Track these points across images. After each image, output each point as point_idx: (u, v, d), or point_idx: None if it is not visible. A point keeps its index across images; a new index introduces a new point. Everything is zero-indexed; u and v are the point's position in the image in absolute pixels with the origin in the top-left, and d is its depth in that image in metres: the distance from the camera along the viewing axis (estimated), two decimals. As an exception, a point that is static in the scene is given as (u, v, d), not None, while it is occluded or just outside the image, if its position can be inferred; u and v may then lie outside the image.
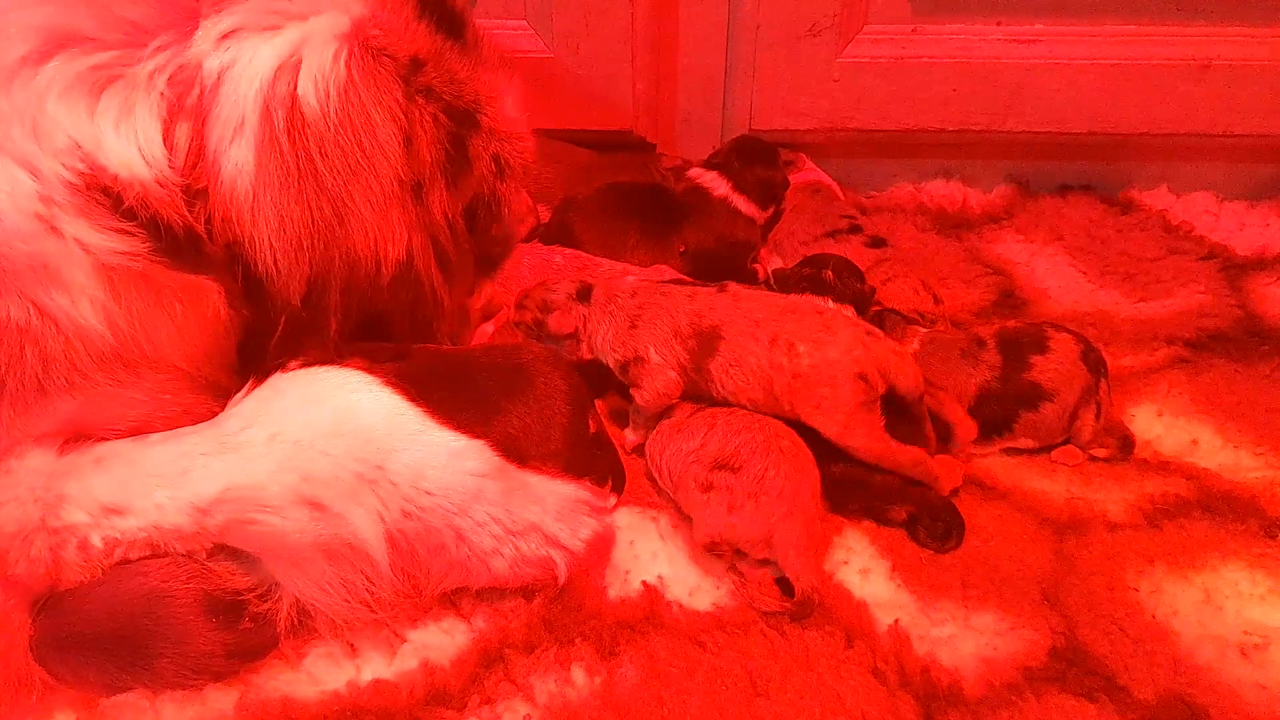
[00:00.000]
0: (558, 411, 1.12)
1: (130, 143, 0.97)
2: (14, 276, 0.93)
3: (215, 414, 1.04)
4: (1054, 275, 1.55)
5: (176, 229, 1.00)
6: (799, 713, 0.94)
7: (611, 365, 1.22)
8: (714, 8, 1.55)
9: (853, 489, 1.14)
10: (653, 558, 1.11)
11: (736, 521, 1.05)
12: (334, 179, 1.02)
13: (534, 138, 1.26)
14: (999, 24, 1.55)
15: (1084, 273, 1.55)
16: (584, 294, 1.25)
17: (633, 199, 1.51)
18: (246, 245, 1.03)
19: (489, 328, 1.36)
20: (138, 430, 1.02)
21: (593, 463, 1.15)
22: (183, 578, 0.96)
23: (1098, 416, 1.19)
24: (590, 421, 1.18)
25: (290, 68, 0.99)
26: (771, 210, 1.56)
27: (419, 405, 1.04)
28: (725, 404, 1.18)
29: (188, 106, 1.00)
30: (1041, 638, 1.01)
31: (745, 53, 1.59)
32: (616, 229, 1.48)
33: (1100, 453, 1.21)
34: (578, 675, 0.98)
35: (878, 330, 1.17)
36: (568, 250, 1.44)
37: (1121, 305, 1.48)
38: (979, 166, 1.73)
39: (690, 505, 1.10)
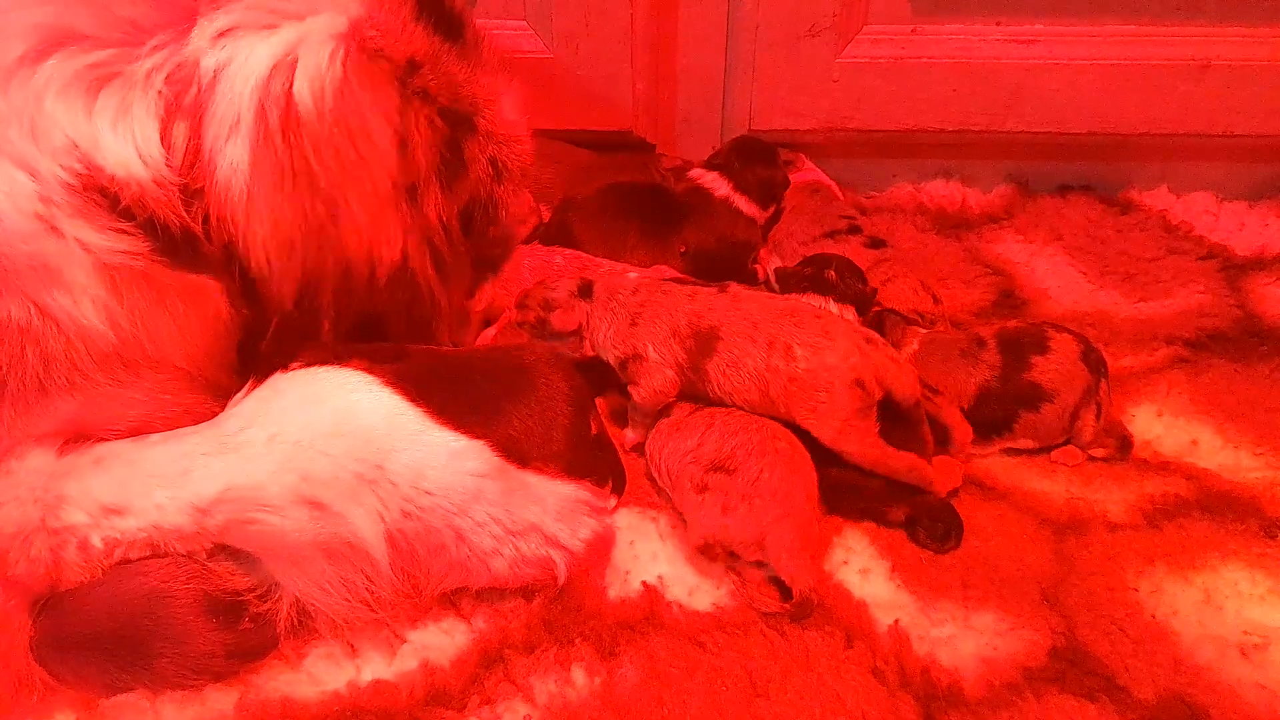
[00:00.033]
0: (559, 413, 1.12)
1: (127, 142, 0.96)
2: (15, 276, 0.93)
3: (215, 414, 1.04)
4: (1054, 275, 1.55)
5: (174, 228, 0.99)
6: (799, 713, 0.94)
7: (611, 362, 1.22)
8: (713, 8, 1.55)
9: (849, 493, 1.14)
10: (653, 558, 1.11)
11: (730, 523, 1.05)
12: (328, 180, 1.01)
13: (533, 140, 1.25)
14: (999, 24, 1.55)
15: (1084, 273, 1.55)
16: (586, 290, 1.25)
17: (632, 199, 1.51)
18: (240, 245, 1.02)
19: (491, 330, 1.36)
20: (138, 430, 1.02)
21: (594, 464, 1.15)
22: (183, 578, 0.96)
23: (1098, 417, 1.19)
24: (592, 422, 1.18)
25: (286, 67, 0.99)
26: (772, 210, 1.56)
27: (419, 407, 1.04)
28: (720, 403, 1.17)
29: (185, 105, 1.00)
30: (1041, 638, 1.01)
31: (745, 53, 1.59)
32: (616, 229, 1.48)
33: (1098, 452, 1.21)
34: (578, 675, 0.98)
35: (877, 336, 1.17)
36: (568, 251, 1.44)
37: (1121, 305, 1.48)
38: (979, 166, 1.73)
39: (685, 506, 1.10)
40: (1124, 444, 1.22)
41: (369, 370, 1.05)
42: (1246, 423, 1.25)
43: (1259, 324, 1.43)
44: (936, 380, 1.22)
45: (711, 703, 0.95)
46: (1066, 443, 1.22)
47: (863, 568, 1.09)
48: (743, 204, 1.52)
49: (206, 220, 1.02)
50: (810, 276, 1.30)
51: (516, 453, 1.08)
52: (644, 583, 1.08)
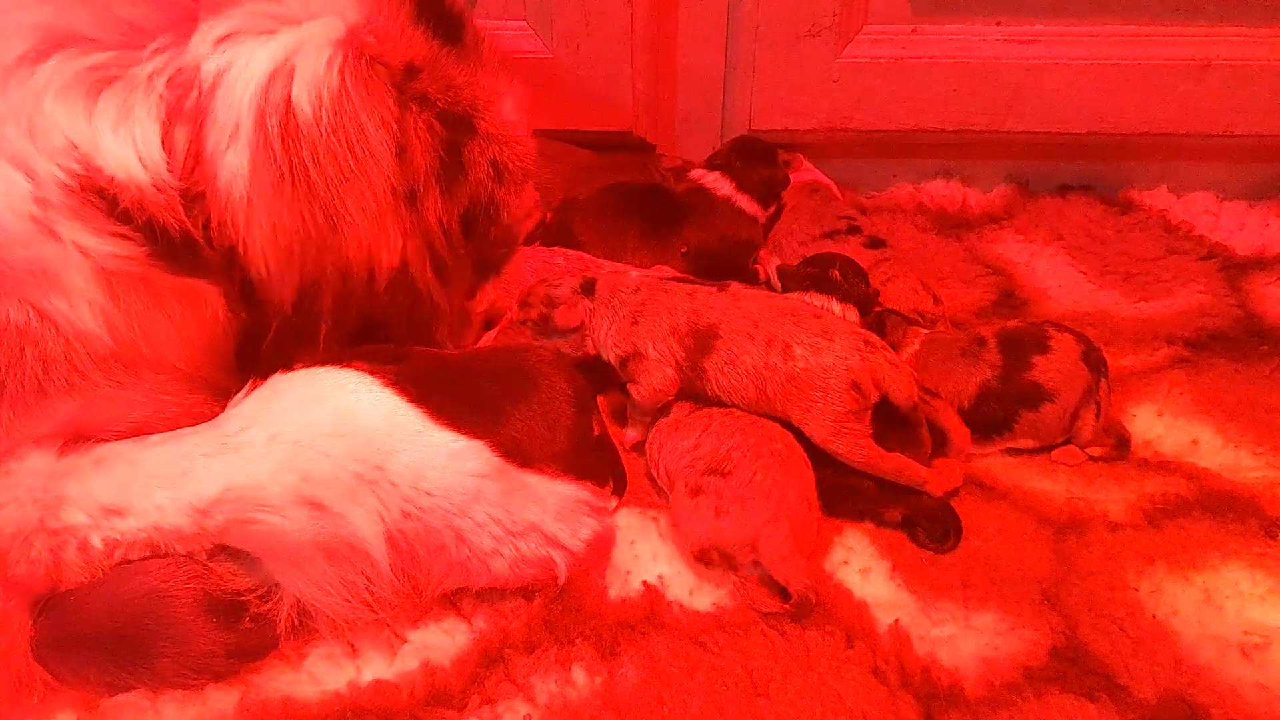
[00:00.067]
0: (562, 414, 1.12)
1: (128, 145, 0.96)
2: (12, 280, 0.93)
3: (215, 414, 1.04)
4: (1054, 275, 1.55)
5: (173, 233, 0.99)
6: (799, 713, 0.94)
7: (612, 360, 1.22)
8: (713, 8, 1.55)
9: (845, 494, 1.14)
10: (653, 558, 1.11)
11: (724, 525, 1.05)
12: (327, 187, 1.01)
13: (534, 141, 1.25)
14: (999, 24, 1.55)
15: (1084, 273, 1.55)
16: (589, 288, 1.25)
17: (633, 200, 1.51)
18: (240, 250, 1.03)
19: (492, 331, 1.36)
20: (138, 431, 1.02)
21: (596, 465, 1.15)
22: (183, 578, 0.96)
23: (1098, 416, 1.19)
24: (594, 424, 1.18)
25: (285, 73, 0.99)
26: (773, 209, 1.56)
27: (420, 408, 1.04)
28: (720, 402, 1.17)
29: (186, 109, 1.00)
30: (1042, 637, 1.01)
31: (745, 53, 1.59)
32: (617, 230, 1.48)
33: (1097, 451, 1.21)
34: (578, 675, 0.98)
35: (876, 339, 1.16)
36: (570, 252, 1.44)
37: (1121, 305, 1.48)
38: (979, 166, 1.73)
39: (678, 512, 1.10)
40: (1122, 443, 1.22)
41: (370, 372, 1.05)
42: (1247, 422, 1.25)
43: (1259, 324, 1.43)
44: (937, 381, 1.22)
45: (712, 702, 0.95)
46: (1066, 442, 1.22)
47: (863, 567, 1.09)
48: (745, 203, 1.52)
49: (207, 225, 1.02)
50: (814, 276, 1.30)
51: (518, 454, 1.08)
52: (644, 582, 1.08)
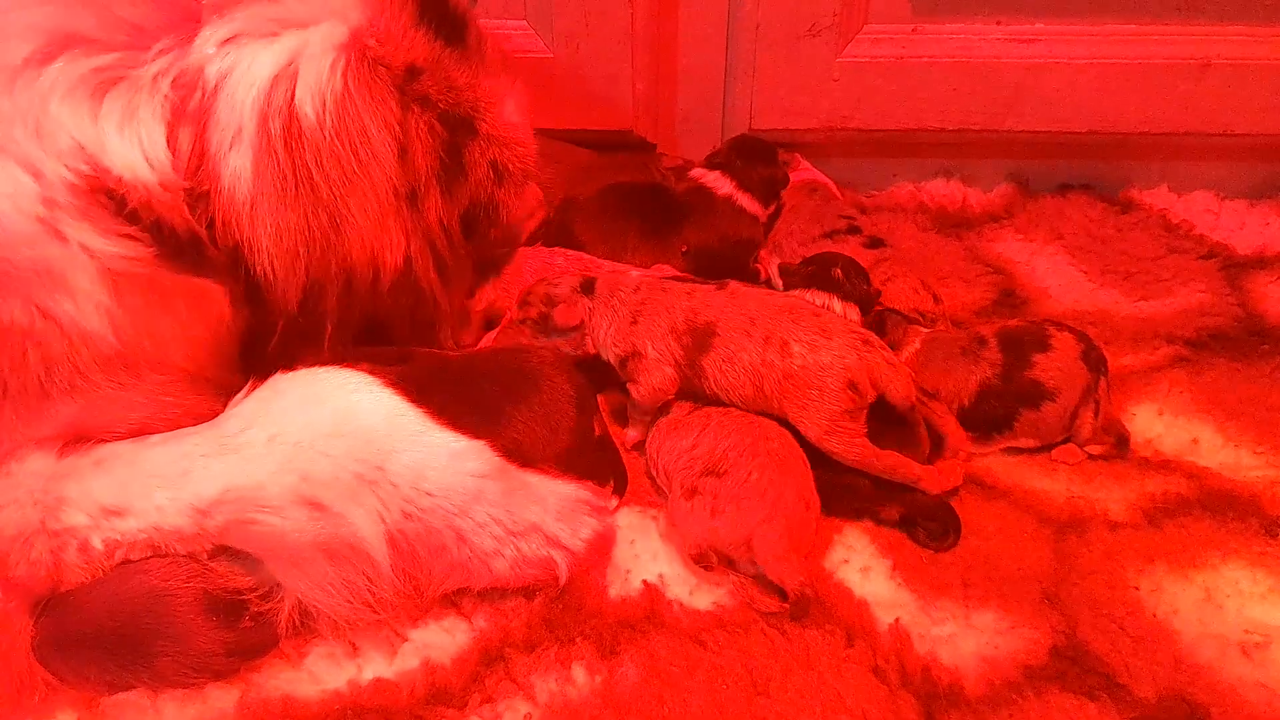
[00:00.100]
0: (564, 416, 1.12)
1: (134, 145, 0.97)
2: (17, 280, 0.93)
3: (217, 414, 1.04)
4: (1054, 274, 1.55)
5: (180, 232, 1.00)
6: (800, 711, 0.94)
7: (611, 360, 1.22)
8: (714, 7, 1.55)
9: (841, 492, 1.14)
10: (653, 557, 1.11)
11: (718, 525, 1.05)
12: (330, 189, 1.02)
13: (535, 141, 1.26)
14: (999, 23, 1.55)
15: (1084, 272, 1.55)
16: (588, 287, 1.25)
17: (633, 199, 1.51)
18: (245, 250, 1.03)
19: (493, 332, 1.36)
20: (139, 432, 1.02)
21: (597, 465, 1.15)
22: (183, 577, 0.96)
23: (1096, 415, 1.19)
24: (595, 425, 1.18)
25: (287, 77, 1.00)
26: (773, 208, 1.56)
27: (422, 409, 1.04)
28: (718, 400, 1.17)
29: (190, 110, 1.00)
30: (1042, 636, 1.01)
31: (745, 52, 1.59)
32: (617, 229, 1.48)
33: (1096, 450, 1.21)
34: (578, 674, 0.98)
35: (874, 338, 1.16)
36: (570, 252, 1.44)
37: (1122, 304, 1.48)
38: (979, 166, 1.73)
39: (675, 514, 1.10)
40: (1122, 442, 1.21)
41: (372, 372, 1.05)
42: (1247, 421, 1.25)
43: (1260, 323, 1.43)
44: (937, 380, 1.22)
45: (712, 701, 0.95)
46: (1066, 441, 1.22)
47: (863, 566, 1.09)
48: (746, 202, 1.52)
49: (211, 225, 1.03)
50: (815, 274, 1.30)
51: (519, 455, 1.08)
52: (645, 581, 1.08)
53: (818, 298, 1.27)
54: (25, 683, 0.94)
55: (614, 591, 1.07)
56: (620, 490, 1.17)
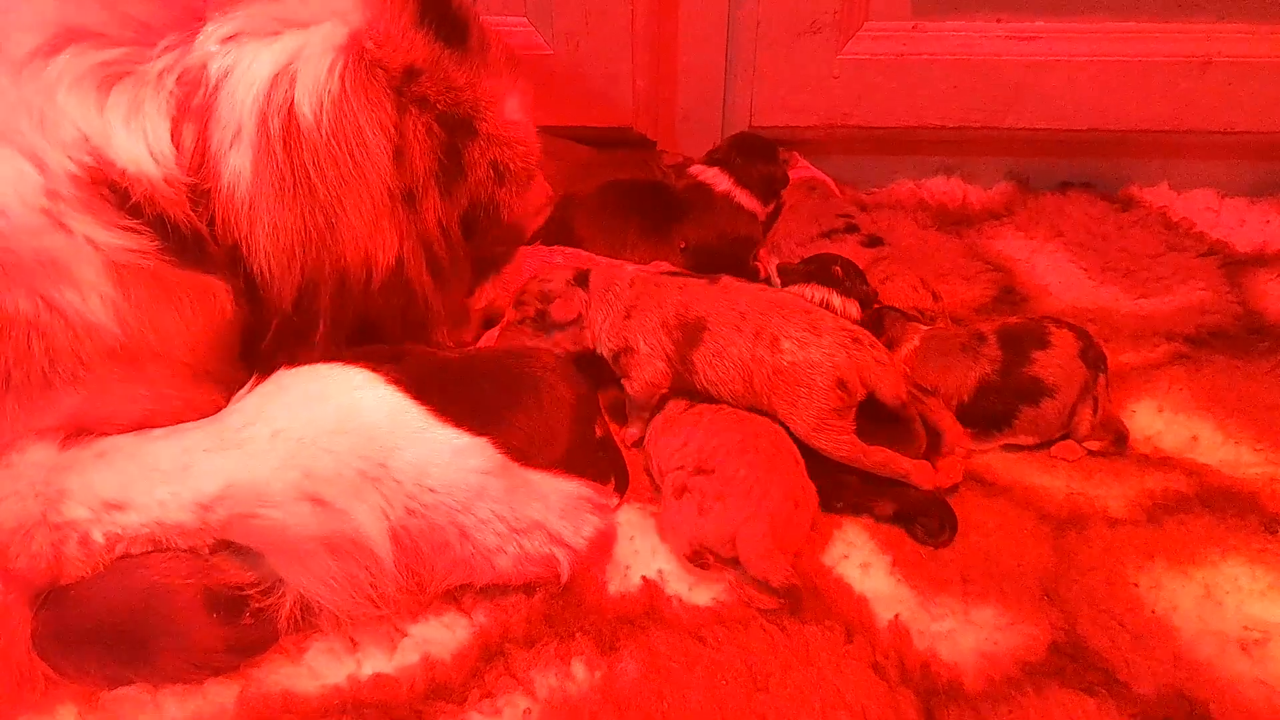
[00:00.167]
0: (563, 424, 1.12)
1: (139, 139, 0.97)
2: (22, 271, 0.93)
3: (219, 408, 1.04)
4: (1054, 272, 1.55)
5: (183, 228, 1.01)
6: (799, 707, 0.94)
7: (605, 355, 1.22)
8: (714, 5, 1.55)
9: (832, 488, 1.14)
10: (653, 553, 1.11)
11: (705, 523, 1.05)
12: (326, 190, 1.03)
13: (538, 140, 1.26)
14: (999, 21, 1.55)
15: (1084, 269, 1.55)
16: (582, 279, 1.25)
17: (633, 196, 1.51)
18: (243, 248, 1.04)
19: (493, 331, 1.36)
20: (141, 425, 1.02)
21: (597, 466, 1.15)
22: (184, 572, 0.96)
23: (1095, 411, 1.19)
24: (596, 426, 1.18)
25: (288, 77, 1.00)
26: (773, 206, 1.56)
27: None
28: (708, 395, 1.17)
29: (194, 107, 1.01)
30: (1041, 633, 1.01)
31: (745, 50, 1.59)
32: (617, 226, 1.48)
33: (1094, 446, 1.21)
34: (578, 669, 0.98)
35: (865, 335, 1.16)
36: (569, 250, 1.44)
37: (1122, 302, 1.48)
38: (979, 163, 1.73)
39: (666, 513, 1.10)
40: (1120, 439, 1.22)
41: (369, 370, 1.05)
42: (1247, 419, 1.25)
43: (1259, 320, 1.43)
44: (936, 376, 1.22)
45: (711, 697, 0.95)
46: (1065, 437, 1.22)
47: (863, 562, 1.10)
48: (744, 199, 1.52)
49: (212, 221, 1.03)
50: (814, 272, 1.30)
51: (520, 458, 1.07)
52: (644, 578, 1.08)
53: (817, 292, 1.26)
54: (25, 676, 0.95)
55: (613, 587, 1.07)
56: (622, 488, 1.17)
